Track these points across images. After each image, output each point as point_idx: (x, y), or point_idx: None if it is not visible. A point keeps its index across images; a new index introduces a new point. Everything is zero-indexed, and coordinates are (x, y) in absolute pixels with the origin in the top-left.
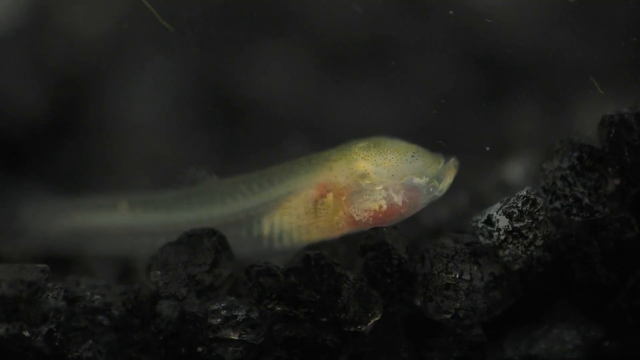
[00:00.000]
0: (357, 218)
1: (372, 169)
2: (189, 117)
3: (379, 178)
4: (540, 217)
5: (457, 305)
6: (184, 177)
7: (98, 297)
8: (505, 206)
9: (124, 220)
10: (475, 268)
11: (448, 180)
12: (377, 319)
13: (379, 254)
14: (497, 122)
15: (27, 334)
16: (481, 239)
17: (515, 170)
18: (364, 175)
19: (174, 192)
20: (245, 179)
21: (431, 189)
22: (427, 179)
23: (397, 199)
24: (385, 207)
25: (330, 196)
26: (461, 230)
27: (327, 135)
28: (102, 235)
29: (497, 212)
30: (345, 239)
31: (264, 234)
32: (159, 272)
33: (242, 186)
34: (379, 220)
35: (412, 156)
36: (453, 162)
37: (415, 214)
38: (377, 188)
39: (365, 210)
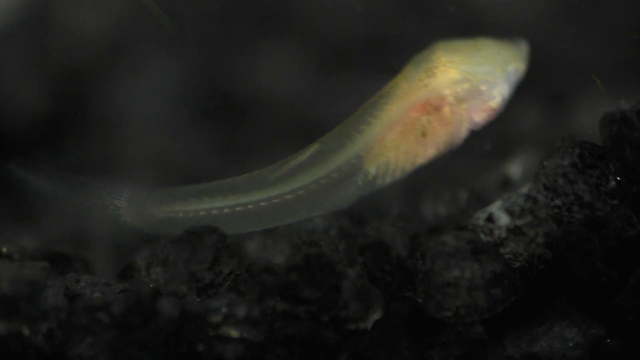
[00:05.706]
0: (476, 119)
1: (471, 70)
2: (189, 117)
3: (484, 77)
4: (542, 215)
5: (458, 302)
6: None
7: (98, 294)
8: (507, 204)
9: (224, 204)
10: (476, 266)
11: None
12: (377, 316)
13: (377, 253)
14: (498, 119)
15: (27, 332)
16: (482, 236)
17: (516, 167)
18: (464, 80)
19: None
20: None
21: (518, 74)
22: (515, 66)
23: (506, 92)
24: (500, 101)
25: (446, 108)
26: (462, 227)
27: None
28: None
29: (498, 210)
30: (345, 237)
31: (370, 177)
32: (159, 270)
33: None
34: (494, 116)
35: (494, 49)
36: (523, 43)
37: (416, 211)
38: (483, 88)
39: (484, 110)
